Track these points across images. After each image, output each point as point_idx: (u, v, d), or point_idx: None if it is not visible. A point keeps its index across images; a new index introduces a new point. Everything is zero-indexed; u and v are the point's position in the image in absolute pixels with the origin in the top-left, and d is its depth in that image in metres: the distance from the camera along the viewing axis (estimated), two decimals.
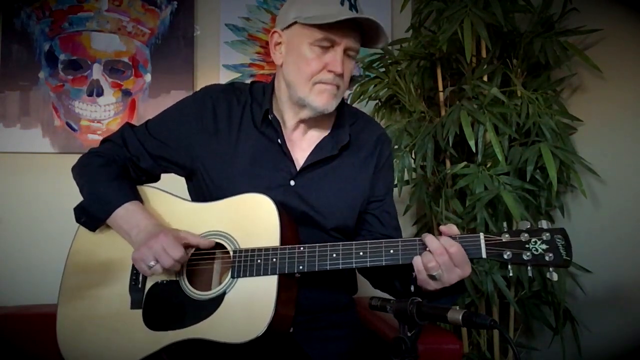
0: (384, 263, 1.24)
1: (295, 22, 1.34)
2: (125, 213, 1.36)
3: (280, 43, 1.39)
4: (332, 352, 1.39)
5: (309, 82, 1.35)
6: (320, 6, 1.31)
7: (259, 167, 1.40)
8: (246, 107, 1.45)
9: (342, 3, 1.31)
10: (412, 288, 1.29)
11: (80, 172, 1.46)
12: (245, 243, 1.30)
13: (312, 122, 1.44)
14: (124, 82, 2.46)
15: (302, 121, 1.43)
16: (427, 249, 1.20)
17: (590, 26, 2.17)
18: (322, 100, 1.36)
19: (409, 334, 1.05)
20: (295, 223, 1.36)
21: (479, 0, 2.16)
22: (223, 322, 1.25)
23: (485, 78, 2.25)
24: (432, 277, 1.20)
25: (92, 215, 1.39)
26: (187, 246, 1.30)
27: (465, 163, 2.18)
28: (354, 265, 1.25)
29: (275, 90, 1.45)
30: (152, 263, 1.27)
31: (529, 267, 1.18)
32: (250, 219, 1.32)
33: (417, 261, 1.21)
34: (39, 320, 1.73)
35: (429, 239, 1.20)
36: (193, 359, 1.30)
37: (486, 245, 1.19)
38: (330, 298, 1.44)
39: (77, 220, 1.41)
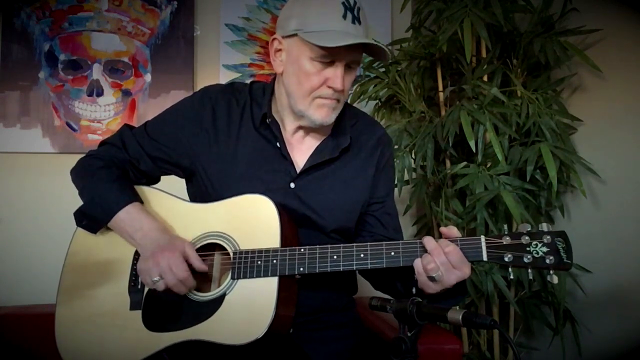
0: (384, 265, 1.24)
1: (297, 34, 1.30)
2: (127, 216, 1.35)
3: (280, 50, 1.36)
4: (332, 352, 1.39)
5: (308, 97, 1.33)
6: (321, 20, 1.27)
7: (258, 169, 1.39)
8: (246, 108, 1.43)
9: (344, 16, 1.27)
10: (414, 290, 1.29)
11: (79, 175, 1.45)
12: (245, 244, 1.30)
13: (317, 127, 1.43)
14: (124, 82, 2.46)
15: (301, 127, 1.42)
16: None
17: (590, 26, 2.17)
18: (321, 114, 1.34)
19: (409, 334, 1.05)
20: (296, 224, 1.35)
21: (479, 0, 2.16)
22: (223, 324, 1.25)
23: (485, 78, 2.25)
24: (432, 279, 1.20)
25: (94, 219, 1.38)
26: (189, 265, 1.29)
27: (465, 163, 2.18)
28: (354, 267, 1.25)
29: (276, 93, 1.43)
30: (157, 279, 1.27)
31: (529, 270, 1.18)
32: (250, 220, 1.31)
33: (417, 263, 1.21)
34: (38, 320, 1.73)
35: (426, 240, 1.21)
36: None
37: (487, 247, 1.19)
38: (330, 298, 1.44)
39: (78, 224, 1.41)
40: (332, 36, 1.25)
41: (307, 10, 1.29)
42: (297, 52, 1.31)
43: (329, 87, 1.31)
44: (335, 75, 1.30)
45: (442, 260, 1.18)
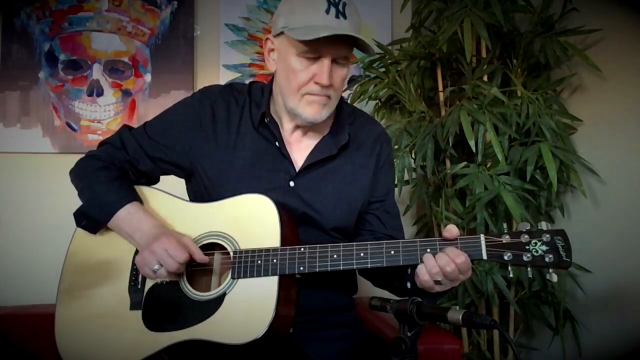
0: (385, 264, 1.24)
1: (283, 32, 1.31)
2: (127, 215, 1.35)
3: (273, 50, 1.38)
4: (332, 352, 1.39)
5: (297, 94, 1.34)
6: (304, 15, 1.28)
7: (258, 168, 1.39)
8: (245, 108, 1.44)
9: (327, 11, 1.27)
10: (409, 285, 1.30)
11: (78, 175, 1.46)
12: (246, 244, 1.30)
13: (309, 124, 1.43)
14: (124, 82, 2.46)
15: (298, 126, 1.42)
16: (429, 250, 1.21)
17: (590, 26, 2.17)
18: (312, 111, 1.34)
19: (409, 334, 1.05)
20: (295, 223, 1.35)
21: (479, 0, 2.16)
22: (223, 323, 1.25)
23: (485, 78, 2.25)
24: (437, 282, 1.20)
25: (93, 219, 1.38)
26: (188, 252, 1.30)
27: (465, 163, 2.18)
28: (354, 266, 1.25)
29: (273, 93, 1.44)
30: (157, 267, 1.27)
31: (529, 269, 1.19)
32: (250, 219, 1.31)
33: (422, 269, 1.21)
34: (37, 320, 1.73)
35: (439, 256, 1.20)
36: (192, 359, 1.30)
37: (487, 246, 1.20)
38: (330, 298, 1.44)
39: (78, 224, 1.41)
40: (312, 30, 1.25)
41: (293, 7, 1.31)
42: (285, 49, 1.33)
43: (316, 82, 1.31)
44: (321, 70, 1.30)
45: (452, 268, 1.18)
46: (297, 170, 1.41)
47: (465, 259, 1.18)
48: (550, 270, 1.17)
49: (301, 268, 1.25)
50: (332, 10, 1.27)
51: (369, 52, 1.35)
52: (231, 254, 1.30)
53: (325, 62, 1.29)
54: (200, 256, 1.30)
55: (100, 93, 2.44)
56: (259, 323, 1.21)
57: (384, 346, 1.39)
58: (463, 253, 1.19)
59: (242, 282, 1.27)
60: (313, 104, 1.34)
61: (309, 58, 1.30)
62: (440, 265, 1.19)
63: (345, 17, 1.28)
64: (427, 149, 2.21)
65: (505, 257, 1.18)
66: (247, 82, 1.61)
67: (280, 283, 1.25)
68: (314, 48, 1.28)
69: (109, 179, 1.39)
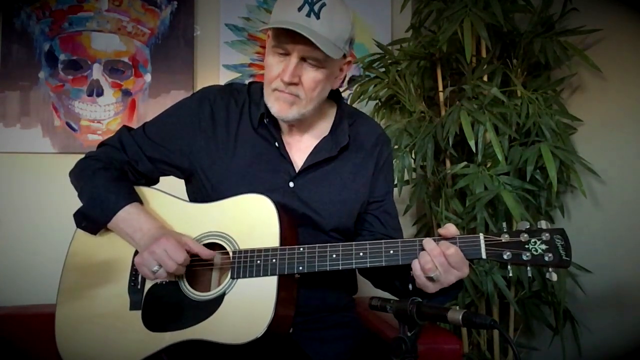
0: (384, 264, 1.24)
1: None
2: (127, 216, 1.35)
3: None
4: (332, 352, 1.39)
5: (269, 87, 1.35)
6: (280, 11, 1.30)
7: (257, 169, 1.39)
8: (244, 108, 1.44)
9: (300, 8, 1.26)
10: (411, 287, 1.30)
11: (77, 176, 1.45)
12: (245, 244, 1.30)
13: (309, 123, 1.43)
14: (124, 82, 2.46)
15: (293, 125, 1.42)
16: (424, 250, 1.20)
17: (590, 26, 2.17)
18: (277, 106, 1.34)
19: (409, 334, 1.05)
20: (295, 224, 1.35)
21: (479, 0, 2.16)
22: (223, 323, 1.25)
23: (485, 78, 2.25)
24: (430, 279, 1.20)
25: (93, 220, 1.38)
26: (188, 251, 1.29)
27: (465, 163, 2.18)
28: (353, 265, 1.25)
29: None
30: (156, 268, 1.27)
31: (528, 268, 1.18)
32: (250, 219, 1.31)
33: (415, 264, 1.21)
34: (38, 320, 1.73)
35: (426, 241, 1.20)
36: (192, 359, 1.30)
37: (486, 245, 1.19)
38: (330, 298, 1.44)
39: (78, 225, 1.40)
40: (275, 24, 1.27)
41: (277, 4, 1.33)
42: (268, 44, 1.35)
43: (281, 79, 1.31)
44: (286, 67, 1.30)
45: (440, 261, 1.18)
46: (296, 171, 1.40)
47: (454, 251, 1.18)
48: (550, 270, 1.16)
49: (300, 268, 1.25)
50: (306, 8, 1.27)
51: (332, 57, 1.29)
52: (230, 254, 1.30)
53: (292, 60, 1.29)
54: (205, 252, 1.30)
55: (100, 93, 2.44)
56: (258, 323, 1.21)
57: (384, 346, 1.39)
58: (454, 246, 1.18)
59: (242, 282, 1.27)
60: (279, 100, 1.34)
61: (280, 54, 1.31)
62: (432, 255, 1.18)
63: (317, 18, 1.26)
64: (427, 149, 2.21)
65: (505, 256, 1.18)
66: (247, 82, 1.61)
67: (280, 283, 1.25)
68: (280, 44, 1.29)
69: (109, 180, 1.39)
